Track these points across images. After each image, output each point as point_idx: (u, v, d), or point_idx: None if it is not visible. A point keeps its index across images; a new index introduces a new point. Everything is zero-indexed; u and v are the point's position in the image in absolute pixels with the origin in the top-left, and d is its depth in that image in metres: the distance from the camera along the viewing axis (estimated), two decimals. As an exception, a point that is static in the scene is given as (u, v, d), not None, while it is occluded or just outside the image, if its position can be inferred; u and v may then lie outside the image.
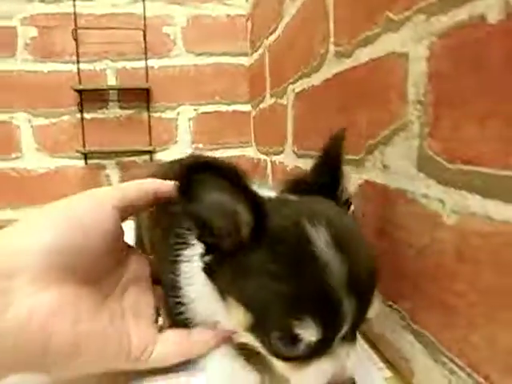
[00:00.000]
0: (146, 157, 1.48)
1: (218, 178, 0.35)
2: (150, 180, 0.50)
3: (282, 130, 1.02)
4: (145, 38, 1.44)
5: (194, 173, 0.36)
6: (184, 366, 0.47)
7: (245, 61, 1.50)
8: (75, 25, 1.41)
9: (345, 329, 0.36)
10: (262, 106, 1.31)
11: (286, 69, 0.97)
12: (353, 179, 0.58)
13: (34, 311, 0.35)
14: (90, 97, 1.44)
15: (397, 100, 0.47)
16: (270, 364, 0.41)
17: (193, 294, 0.46)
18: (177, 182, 0.36)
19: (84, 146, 1.44)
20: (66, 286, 0.38)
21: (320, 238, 0.36)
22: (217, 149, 1.52)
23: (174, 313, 0.47)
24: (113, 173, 1.48)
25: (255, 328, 0.38)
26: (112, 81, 1.45)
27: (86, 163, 1.46)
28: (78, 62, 1.42)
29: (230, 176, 0.36)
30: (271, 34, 1.11)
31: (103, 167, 1.48)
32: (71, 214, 0.41)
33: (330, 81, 0.69)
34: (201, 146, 1.51)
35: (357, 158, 0.57)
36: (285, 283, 0.35)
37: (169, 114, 1.48)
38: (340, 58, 0.63)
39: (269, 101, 1.19)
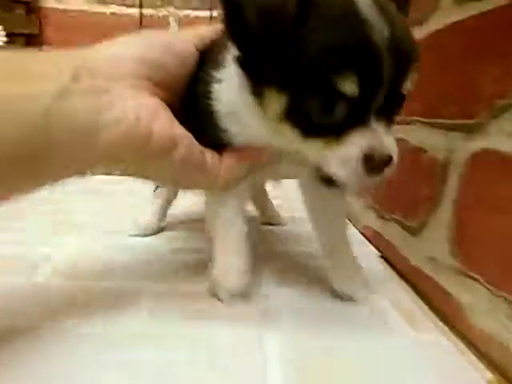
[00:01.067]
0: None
1: None
2: None
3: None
4: (212, -14, 1.36)
5: None
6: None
7: None
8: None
9: (383, 91, 0.36)
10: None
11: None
12: (461, 149, 0.50)
13: (140, 111, 0.40)
14: None
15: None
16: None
17: (226, 109, 0.45)
18: None
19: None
20: (159, 98, 0.43)
21: (366, 3, 0.36)
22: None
23: (207, 140, 0.46)
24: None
25: (292, 108, 0.38)
26: (174, 29, 1.38)
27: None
28: (141, 6, 1.36)
29: None
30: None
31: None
32: (161, 40, 0.46)
33: (441, 32, 0.58)
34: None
35: (472, 122, 0.48)
36: (329, 36, 0.35)
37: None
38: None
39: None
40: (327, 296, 0.54)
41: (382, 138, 0.37)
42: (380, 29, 0.35)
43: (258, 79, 0.40)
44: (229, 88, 0.44)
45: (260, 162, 0.49)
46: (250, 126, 0.44)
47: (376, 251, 0.71)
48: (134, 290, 0.53)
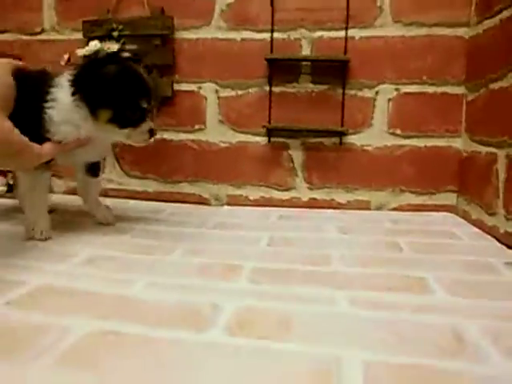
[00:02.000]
0: (335, 139, 1.32)
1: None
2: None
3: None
4: (348, 4, 1.27)
5: None
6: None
7: (463, 32, 1.24)
8: (274, -11, 1.30)
9: (152, 106, 0.89)
10: (492, 86, 1.05)
11: None
12: None
13: (4, 128, 0.71)
14: (280, 69, 1.32)
15: None
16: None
17: (60, 119, 0.84)
18: None
19: (269, 121, 1.33)
20: (7, 120, 0.72)
21: (142, 73, 0.88)
22: (417, 136, 1.29)
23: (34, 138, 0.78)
24: (296, 154, 1.35)
25: (115, 116, 0.85)
26: (306, 51, 1.31)
27: (270, 141, 1.35)
28: (273, 30, 1.30)
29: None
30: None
31: (287, 146, 1.35)
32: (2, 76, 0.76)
33: None
34: (398, 132, 1.29)
35: None
36: (135, 87, 0.86)
37: (366, 93, 1.29)
38: None
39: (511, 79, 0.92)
40: None
41: (153, 124, 0.89)
42: (149, 82, 0.89)
43: (94, 104, 0.84)
44: (63, 106, 0.84)
45: (66, 150, 0.85)
46: (82, 127, 0.86)
47: None
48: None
